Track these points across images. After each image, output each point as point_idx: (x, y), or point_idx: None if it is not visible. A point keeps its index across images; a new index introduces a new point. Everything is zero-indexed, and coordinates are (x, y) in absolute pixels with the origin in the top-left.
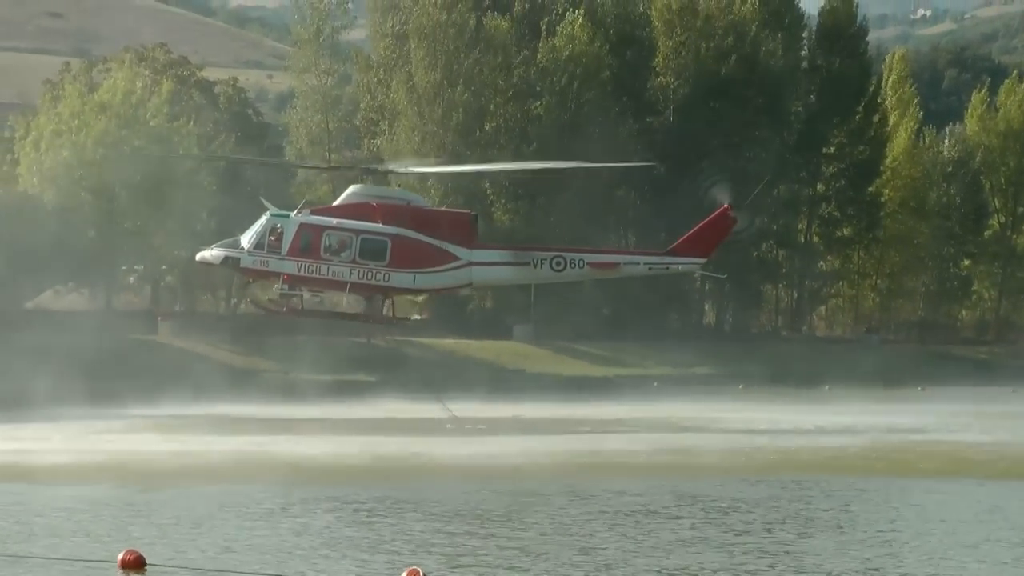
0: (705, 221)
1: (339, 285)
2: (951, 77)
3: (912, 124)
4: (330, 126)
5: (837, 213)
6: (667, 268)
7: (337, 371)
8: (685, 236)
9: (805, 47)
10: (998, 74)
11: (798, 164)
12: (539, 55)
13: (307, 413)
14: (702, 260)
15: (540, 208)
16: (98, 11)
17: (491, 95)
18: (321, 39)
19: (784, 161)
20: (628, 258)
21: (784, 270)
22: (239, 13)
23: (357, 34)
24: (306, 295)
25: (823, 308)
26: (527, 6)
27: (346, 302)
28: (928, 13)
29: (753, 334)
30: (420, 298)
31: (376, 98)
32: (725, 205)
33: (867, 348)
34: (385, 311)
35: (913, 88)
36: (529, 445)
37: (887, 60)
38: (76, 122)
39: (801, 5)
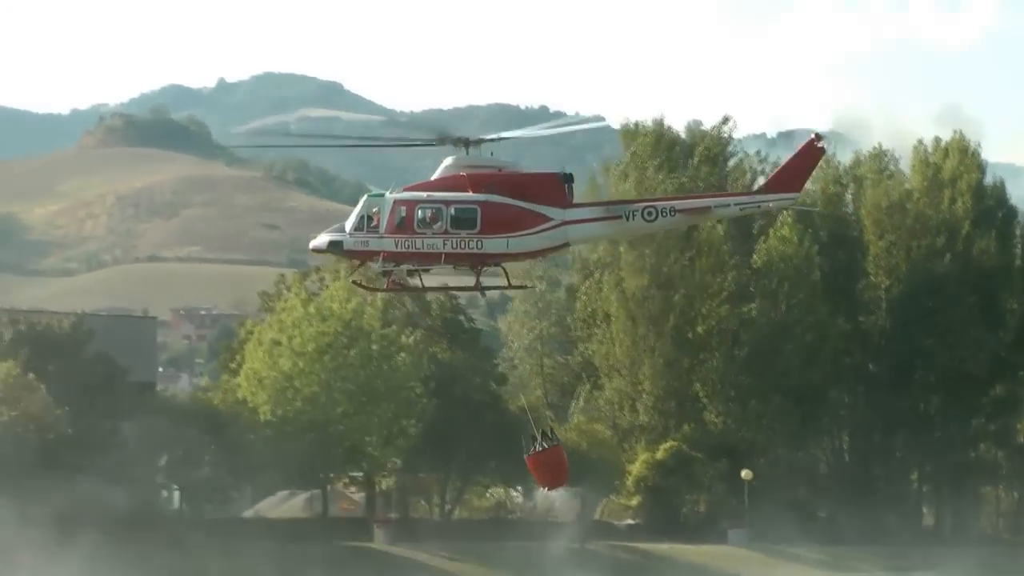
0: (794, 155)
1: (434, 257)
2: None
3: None
4: (543, 331)
5: None
6: (759, 206)
7: None
8: (775, 172)
9: (1019, 244)
10: None
11: (1015, 363)
12: (754, 257)
13: None
14: (794, 195)
15: (752, 411)
16: (313, 221)
17: (703, 297)
18: None
19: (1000, 360)
20: (719, 200)
21: (1004, 471)
22: None
23: None
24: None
25: None
26: None
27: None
28: None
29: (974, 537)
30: (633, 502)
31: (593, 301)
32: (812, 135)
33: None
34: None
35: None
36: None
37: None
38: (297, 331)
39: (1012, 201)
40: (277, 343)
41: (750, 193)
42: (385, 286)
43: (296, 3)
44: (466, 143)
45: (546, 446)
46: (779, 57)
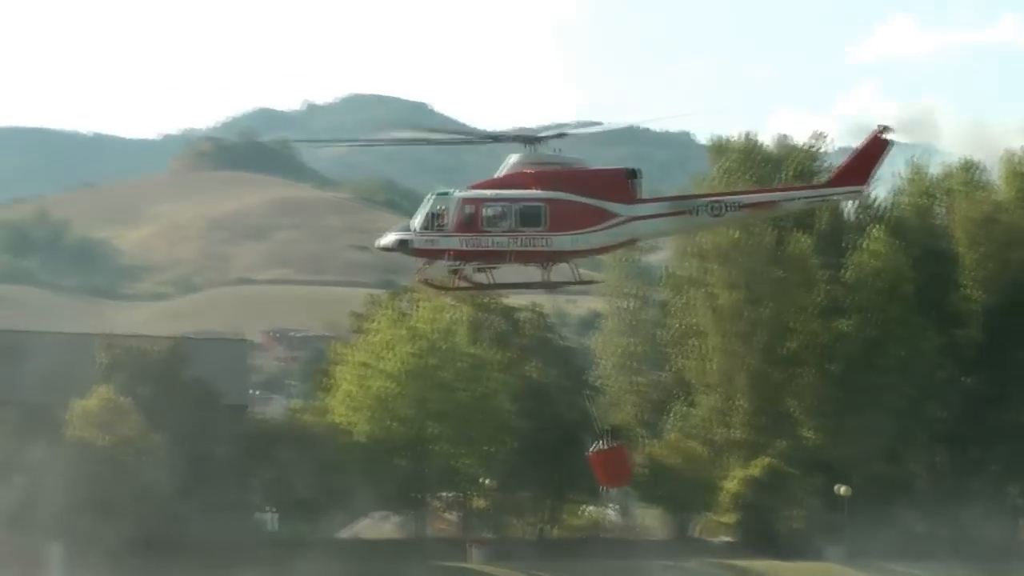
0: (859, 148)
1: (502, 255)
2: None
3: None
4: (633, 348)
5: None
6: (824, 199)
7: None
8: (841, 166)
9: None
10: None
11: None
12: (846, 272)
13: None
14: (861, 188)
15: (847, 426)
16: None
17: (794, 312)
18: (629, 262)
19: None
20: (785, 195)
21: None
22: None
23: (659, 256)
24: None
25: None
26: (828, 222)
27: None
28: None
29: None
30: (728, 519)
31: (685, 317)
32: (877, 128)
33: None
34: (551, 275)
35: None
36: None
37: None
38: (388, 353)
39: None
40: (367, 365)
41: (816, 187)
42: (452, 284)
43: (382, 24)
44: (530, 140)
45: (610, 445)
46: (867, 68)
